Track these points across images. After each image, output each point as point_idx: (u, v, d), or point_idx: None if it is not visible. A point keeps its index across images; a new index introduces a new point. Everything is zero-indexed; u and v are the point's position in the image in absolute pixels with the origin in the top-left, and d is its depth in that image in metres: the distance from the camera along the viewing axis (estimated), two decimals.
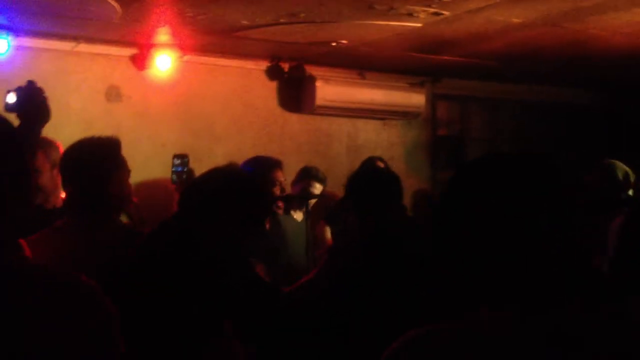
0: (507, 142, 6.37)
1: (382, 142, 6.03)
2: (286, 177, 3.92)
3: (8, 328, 1.12)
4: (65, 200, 2.32)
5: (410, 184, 5.87)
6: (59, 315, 1.15)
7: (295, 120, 5.65)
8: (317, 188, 4.44)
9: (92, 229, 2.23)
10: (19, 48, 4.55)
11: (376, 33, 4.38)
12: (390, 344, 1.08)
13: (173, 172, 2.77)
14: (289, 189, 4.02)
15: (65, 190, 2.34)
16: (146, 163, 4.55)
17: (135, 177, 4.50)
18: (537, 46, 4.73)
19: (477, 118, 6.57)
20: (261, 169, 3.47)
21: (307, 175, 4.40)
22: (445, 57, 5.18)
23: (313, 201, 4.04)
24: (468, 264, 1.09)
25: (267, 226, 3.42)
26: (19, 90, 2.23)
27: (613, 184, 3.69)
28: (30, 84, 2.24)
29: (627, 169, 3.77)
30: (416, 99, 5.80)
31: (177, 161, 2.78)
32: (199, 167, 5.03)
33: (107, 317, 1.20)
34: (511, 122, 6.50)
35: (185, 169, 2.77)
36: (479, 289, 1.09)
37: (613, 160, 3.83)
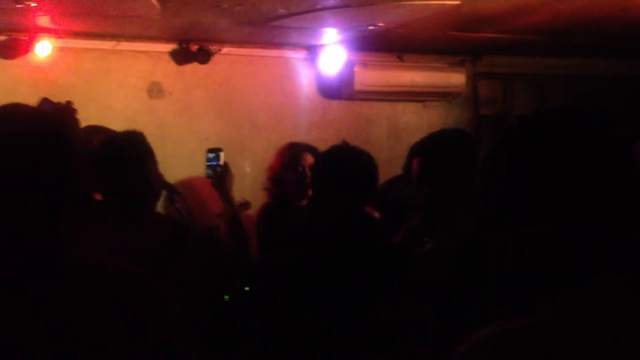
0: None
1: (423, 124, 5.97)
2: None
3: (75, 327, 1.14)
4: (105, 197, 2.32)
5: None
6: (122, 310, 1.17)
7: (334, 107, 5.63)
8: None
9: (140, 222, 2.26)
10: (61, 49, 4.64)
11: (413, 13, 4.32)
12: (458, 345, 1.02)
13: (207, 166, 2.78)
14: None
15: (102, 186, 2.33)
16: (190, 158, 4.59)
17: (180, 171, 4.58)
18: (583, 17, 4.59)
19: (522, 95, 6.44)
20: (291, 153, 3.45)
21: None
22: (486, 34, 5.08)
23: None
24: (534, 242, 1.02)
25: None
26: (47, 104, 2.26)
27: None
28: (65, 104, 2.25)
29: None
30: (456, 79, 5.71)
31: (211, 155, 2.78)
32: (241, 159, 5.12)
33: (164, 307, 1.22)
34: (557, 98, 6.35)
35: (219, 163, 2.77)
36: (547, 272, 1.02)
37: None
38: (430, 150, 2.52)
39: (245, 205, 3.91)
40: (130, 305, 1.20)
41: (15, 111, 1.25)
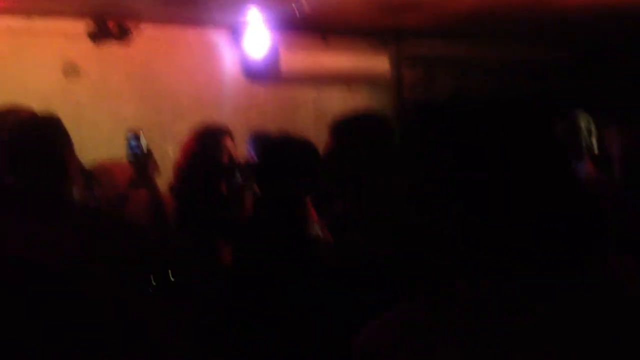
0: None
1: (349, 108, 5.97)
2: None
3: None
4: (17, 183, 2.19)
5: None
6: None
7: (260, 90, 5.55)
8: None
9: (55, 209, 2.15)
10: None
11: None
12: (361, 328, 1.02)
13: (128, 149, 2.68)
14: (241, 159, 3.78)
15: (14, 172, 2.20)
16: (108, 141, 4.43)
17: (98, 156, 4.41)
18: (504, 4, 4.69)
19: (444, 80, 6.54)
20: (208, 137, 3.31)
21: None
22: (409, 18, 5.11)
23: None
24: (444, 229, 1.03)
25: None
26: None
27: (578, 134, 3.83)
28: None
29: (590, 118, 3.90)
30: (381, 63, 5.74)
31: (131, 138, 2.69)
32: (163, 142, 4.97)
33: None
34: (480, 83, 6.48)
35: (140, 145, 2.68)
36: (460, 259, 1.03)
37: (579, 111, 3.96)
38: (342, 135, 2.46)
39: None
40: None
41: None
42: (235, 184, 3.25)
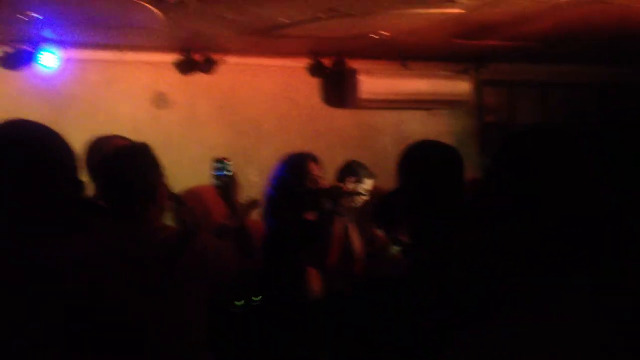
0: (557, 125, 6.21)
1: (429, 132, 5.96)
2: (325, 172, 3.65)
3: None
4: (110, 207, 2.31)
5: None
6: None
7: (340, 115, 5.63)
8: (369, 184, 4.29)
9: (145, 231, 2.25)
10: (66, 60, 4.66)
11: (417, 22, 4.33)
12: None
13: (215, 176, 2.76)
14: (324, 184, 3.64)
15: (107, 196, 2.32)
16: (195, 167, 4.60)
17: (185, 181, 4.58)
18: (586, 24, 4.60)
19: (526, 102, 6.43)
20: (294, 162, 3.34)
21: (354, 171, 4.13)
22: (490, 42, 5.08)
23: (360, 199, 3.89)
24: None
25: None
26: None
27: None
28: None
29: None
30: (462, 87, 5.71)
31: (218, 165, 2.76)
32: (247, 167, 5.12)
33: None
34: (561, 105, 6.35)
35: (226, 172, 2.75)
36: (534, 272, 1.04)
37: None
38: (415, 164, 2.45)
39: (254, 204, 3.85)
40: None
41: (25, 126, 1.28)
42: (323, 210, 3.28)
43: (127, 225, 2.25)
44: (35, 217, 1.22)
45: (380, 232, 4.22)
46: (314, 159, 3.35)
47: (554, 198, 1.03)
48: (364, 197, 3.97)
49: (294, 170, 3.27)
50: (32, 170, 1.21)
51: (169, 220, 2.52)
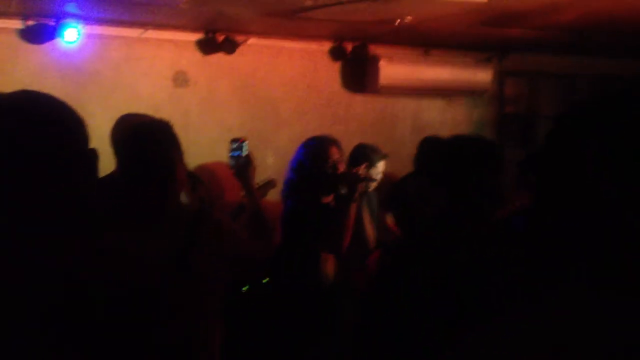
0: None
1: (448, 121, 5.94)
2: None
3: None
4: (129, 183, 2.32)
5: None
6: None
7: (359, 101, 5.62)
8: (381, 166, 4.29)
9: (162, 210, 2.26)
10: (88, 36, 4.68)
11: (441, 9, 4.29)
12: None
13: (230, 156, 2.75)
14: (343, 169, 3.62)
15: (127, 172, 2.32)
16: (213, 146, 4.61)
17: (203, 160, 4.59)
18: (611, 17, 4.53)
19: (548, 94, 6.37)
20: (315, 146, 3.33)
21: (366, 155, 4.11)
22: (513, 32, 5.03)
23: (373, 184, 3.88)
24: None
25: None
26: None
27: None
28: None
29: None
30: (483, 76, 5.67)
31: (234, 145, 2.75)
32: (264, 150, 5.13)
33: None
34: (584, 97, 6.27)
35: (242, 153, 2.74)
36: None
37: None
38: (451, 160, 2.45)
39: (270, 183, 3.84)
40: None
41: (33, 97, 1.27)
42: (340, 195, 3.27)
43: (146, 205, 2.26)
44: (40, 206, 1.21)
45: (391, 219, 4.23)
46: (335, 143, 3.34)
47: (552, 193, 1.02)
48: (377, 181, 3.98)
49: (315, 154, 3.26)
50: (37, 148, 1.20)
51: (185, 198, 2.52)
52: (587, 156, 1.02)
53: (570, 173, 1.02)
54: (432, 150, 3.09)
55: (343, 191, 3.25)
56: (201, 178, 2.88)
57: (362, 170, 3.55)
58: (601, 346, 0.95)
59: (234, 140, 2.74)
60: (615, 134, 1.01)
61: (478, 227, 2.21)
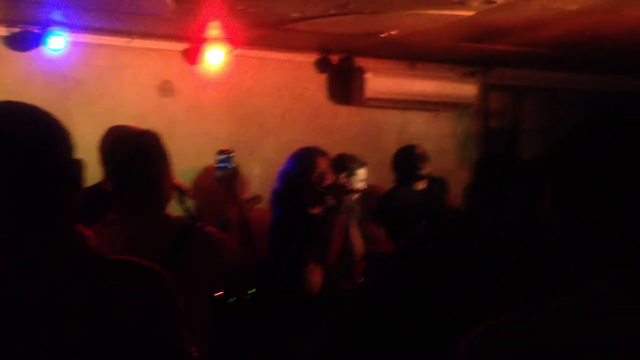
0: (564, 133, 6.20)
1: (433, 134, 5.97)
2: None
3: (80, 312, 1.16)
4: (116, 194, 2.31)
5: (462, 177, 5.78)
6: (127, 297, 1.20)
7: (345, 113, 5.63)
8: (362, 174, 4.32)
9: (148, 221, 2.25)
10: (75, 44, 4.66)
11: (427, 23, 4.33)
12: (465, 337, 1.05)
13: (218, 168, 2.74)
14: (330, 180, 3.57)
15: (113, 182, 2.32)
16: (199, 156, 4.60)
17: (189, 170, 4.58)
18: (595, 34, 4.60)
19: (532, 108, 6.43)
20: (303, 157, 3.33)
21: (346, 164, 4.16)
22: (498, 46, 5.08)
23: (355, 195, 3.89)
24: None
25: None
26: None
27: None
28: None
29: None
30: (468, 90, 5.71)
31: (222, 157, 2.74)
32: (250, 160, 5.12)
33: (170, 298, 1.25)
34: (567, 113, 6.34)
35: (229, 165, 2.73)
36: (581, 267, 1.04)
37: None
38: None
39: (256, 199, 3.86)
40: (143, 293, 1.24)
41: (16, 107, 1.26)
42: (327, 206, 3.27)
43: (132, 216, 2.25)
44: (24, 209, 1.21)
45: (379, 230, 4.24)
46: (323, 154, 3.34)
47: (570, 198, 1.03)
48: (359, 191, 3.99)
49: (303, 165, 3.26)
50: (22, 157, 1.19)
51: (172, 209, 2.52)
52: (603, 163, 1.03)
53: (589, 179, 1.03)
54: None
55: (330, 203, 3.25)
56: (187, 190, 2.87)
57: (341, 179, 3.56)
58: (617, 345, 0.96)
59: (221, 152, 2.73)
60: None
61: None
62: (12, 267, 1.19)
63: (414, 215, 4.17)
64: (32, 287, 1.18)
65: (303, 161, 3.27)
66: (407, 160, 4.61)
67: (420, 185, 4.61)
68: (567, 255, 1.04)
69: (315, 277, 3.09)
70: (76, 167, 1.27)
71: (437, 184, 4.68)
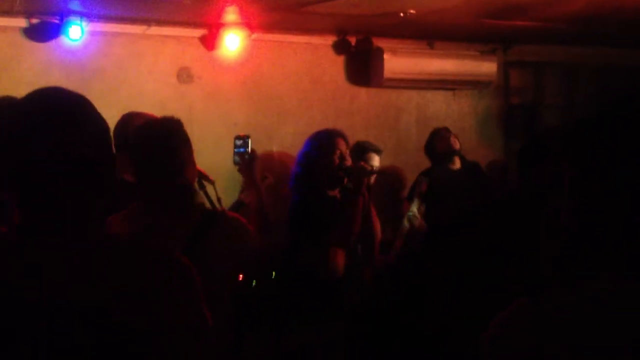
0: (585, 108, 6.13)
1: (453, 113, 5.92)
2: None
3: (99, 297, 1.18)
4: (141, 184, 2.33)
5: (483, 155, 5.75)
6: (145, 283, 1.22)
7: (363, 94, 5.61)
8: (376, 160, 4.35)
9: (172, 207, 2.27)
10: (92, 33, 4.68)
11: (444, 1, 4.28)
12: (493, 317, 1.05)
13: (235, 153, 2.75)
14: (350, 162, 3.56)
15: (136, 170, 2.33)
16: (218, 142, 4.61)
17: (208, 156, 4.60)
18: (615, 7, 4.51)
19: (553, 85, 6.34)
20: (322, 138, 3.33)
21: (362, 149, 4.27)
22: (518, 22, 5.01)
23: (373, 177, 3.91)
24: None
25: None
26: None
27: None
28: None
29: None
30: (487, 67, 5.65)
31: (239, 142, 2.74)
32: (269, 145, 5.13)
33: (190, 281, 1.26)
34: (589, 88, 6.25)
35: (247, 150, 2.74)
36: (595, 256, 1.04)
37: None
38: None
39: (264, 179, 3.88)
40: (162, 280, 1.26)
41: (54, 94, 1.28)
42: (347, 189, 3.27)
43: (154, 206, 2.27)
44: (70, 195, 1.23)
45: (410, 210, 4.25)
46: (342, 136, 3.33)
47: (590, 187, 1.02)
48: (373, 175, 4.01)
49: (322, 147, 3.25)
50: (69, 143, 1.22)
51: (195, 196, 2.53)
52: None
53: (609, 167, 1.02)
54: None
55: (349, 184, 3.24)
56: (208, 176, 2.87)
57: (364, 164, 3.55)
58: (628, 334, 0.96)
59: (238, 137, 2.74)
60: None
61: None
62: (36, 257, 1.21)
63: (454, 196, 4.16)
64: (52, 276, 1.20)
65: (322, 143, 3.26)
66: (438, 141, 4.68)
67: (456, 165, 4.65)
68: (581, 245, 1.03)
69: (338, 260, 3.09)
70: (110, 157, 1.30)
71: (473, 167, 4.75)
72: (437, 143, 4.76)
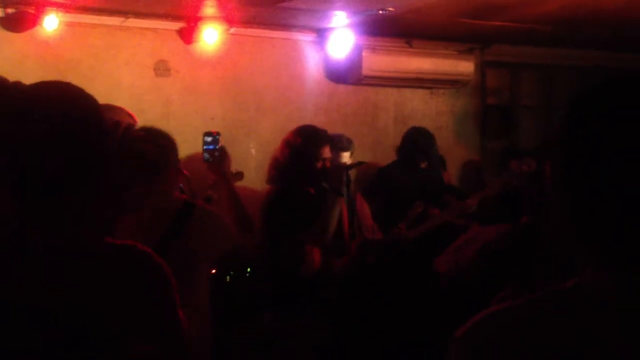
0: (561, 109, 6.19)
1: (430, 111, 5.95)
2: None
3: (74, 301, 1.18)
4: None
5: (460, 155, 5.79)
6: (121, 287, 1.24)
7: (342, 91, 5.61)
8: (345, 157, 4.36)
9: (153, 205, 2.26)
10: (69, 24, 4.62)
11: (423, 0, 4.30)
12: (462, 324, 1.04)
13: (205, 150, 2.73)
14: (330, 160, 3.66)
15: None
16: (195, 136, 4.58)
17: (185, 150, 4.57)
18: (592, 9, 4.57)
19: (529, 85, 6.41)
20: (309, 141, 3.34)
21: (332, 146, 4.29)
22: (495, 23, 5.05)
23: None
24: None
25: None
26: None
27: None
28: None
29: None
30: (465, 67, 5.69)
31: (209, 139, 2.73)
32: (247, 140, 5.11)
33: (167, 285, 1.27)
34: (565, 89, 6.32)
35: (216, 147, 2.73)
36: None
37: None
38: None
39: (238, 175, 3.88)
40: (136, 275, 1.28)
41: (56, 90, 1.29)
42: (324, 187, 3.29)
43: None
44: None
45: (365, 206, 4.27)
46: (326, 133, 3.37)
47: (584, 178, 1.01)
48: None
49: (307, 141, 3.28)
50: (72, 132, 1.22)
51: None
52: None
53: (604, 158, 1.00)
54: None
55: (329, 184, 3.26)
56: (182, 170, 2.87)
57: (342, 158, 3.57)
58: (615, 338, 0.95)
59: (207, 134, 2.73)
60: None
61: None
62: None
63: (411, 195, 4.18)
64: (38, 269, 1.20)
65: (308, 138, 3.28)
66: (409, 138, 4.67)
67: (422, 164, 4.65)
68: (567, 243, 1.03)
69: (315, 258, 3.11)
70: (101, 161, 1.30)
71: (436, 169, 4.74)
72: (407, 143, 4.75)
